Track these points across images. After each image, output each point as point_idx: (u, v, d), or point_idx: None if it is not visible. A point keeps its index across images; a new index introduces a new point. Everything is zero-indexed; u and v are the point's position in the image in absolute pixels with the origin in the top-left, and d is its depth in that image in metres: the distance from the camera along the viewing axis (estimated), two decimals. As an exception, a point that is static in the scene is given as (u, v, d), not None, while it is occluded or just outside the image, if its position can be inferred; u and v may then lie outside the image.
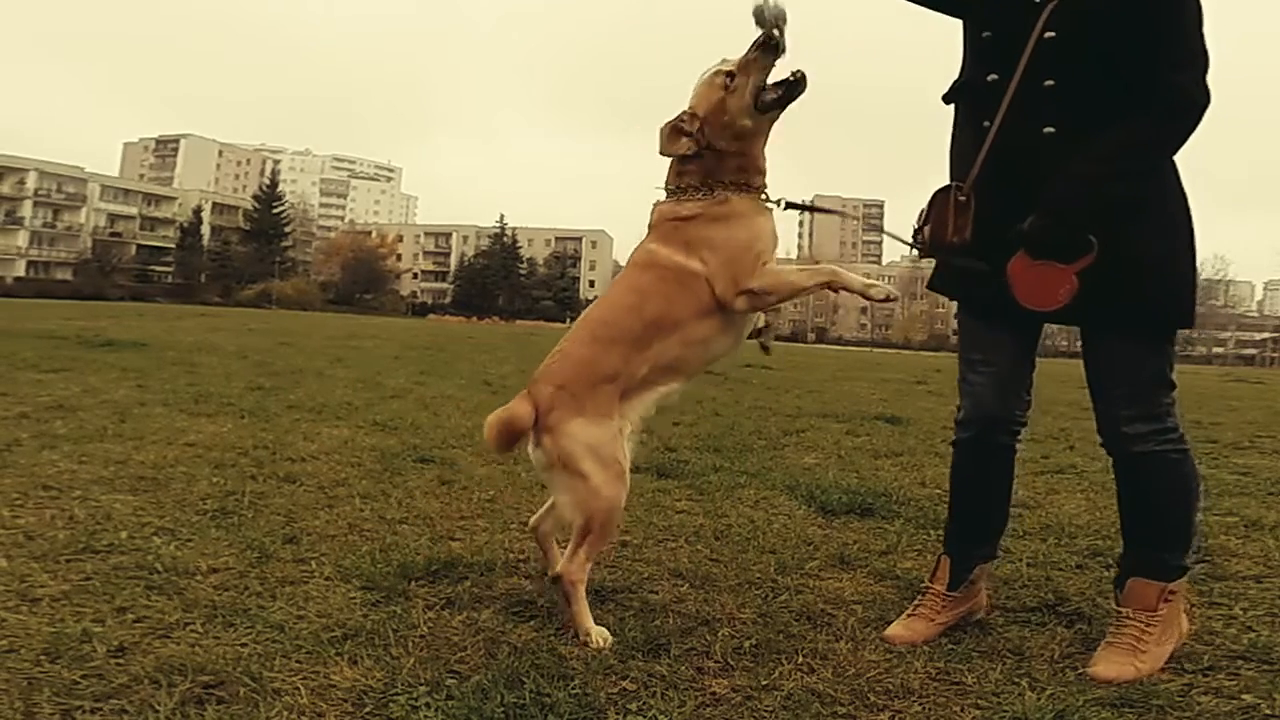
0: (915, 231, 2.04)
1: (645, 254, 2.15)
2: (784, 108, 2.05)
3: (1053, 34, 1.85)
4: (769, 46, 1.99)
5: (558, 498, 2.08)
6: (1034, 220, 1.85)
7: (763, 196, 2.12)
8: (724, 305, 2.06)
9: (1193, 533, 2.00)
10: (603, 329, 2.12)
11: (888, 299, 2.03)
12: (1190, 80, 1.77)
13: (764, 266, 2.05)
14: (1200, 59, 1.79)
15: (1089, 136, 1.83)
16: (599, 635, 1.96)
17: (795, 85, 2.02)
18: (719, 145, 2.05)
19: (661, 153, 2.11)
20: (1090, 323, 1.97)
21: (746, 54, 2.02)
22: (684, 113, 2.07)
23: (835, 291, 2.11)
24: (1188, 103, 1.78)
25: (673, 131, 2.07)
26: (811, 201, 2.33)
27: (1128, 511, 2.04)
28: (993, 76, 1.94)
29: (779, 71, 2.03)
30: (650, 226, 2.17)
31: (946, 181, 2.04)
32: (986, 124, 1.95)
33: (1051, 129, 1.88)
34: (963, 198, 1.94)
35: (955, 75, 2.10)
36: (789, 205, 2.19)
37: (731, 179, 2.08)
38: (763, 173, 2.12)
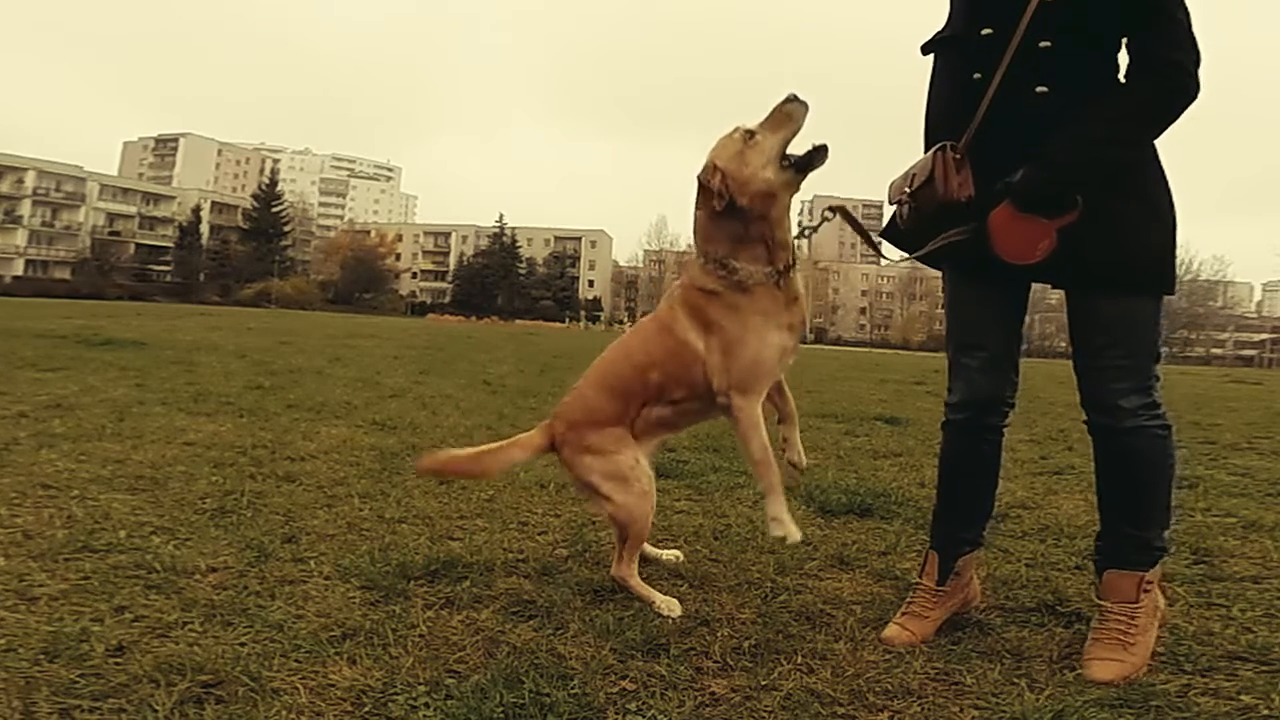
0: (909, 196, 2.03)
1: (669, 312, 2.25)
2: (805, 171, 2.09)
3: None
4: (796, 100, 2.05)
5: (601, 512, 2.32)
6: (1027, 172, 1.85)
7: (788, 265, 2.15)
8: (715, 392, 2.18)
9: (1171, 511, 2.02)
10: (608, 375, 2.32)
11: (784, 540, 2.11)
12: (1189, 61, 1.79)
13: (757, 395, 2.16)
14: (1195, 47, 1.80)
15: (1081, 100, 1.85)
16: (666, 604, 2.17)
17: (817, 152, 2.08)
18: (741, 201, 2.06)
19: (701, 220, 2.14)
20: (1075, 281, 1.97)
21: (772, 111, 2.07)
22: (705, 166, 2.10)
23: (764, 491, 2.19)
24: (1186, 79, 1.78)
25: (702, 190, 2.10)
26: (843, 214, 2.22)
27: (1111, 490, 2.03)
28: (987, 31, 1.94)
29: (799, 145, 2.08)
30: (681, 285, 2.24)
31: (923, 135, 2.08)
32: (977, 76, 1.95)
33: (1044, 89, 1.89)
34: (957, 155, 1.95)
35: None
36: (839, 212, 2.19)
37: (757, 253, 2.11)
38: (786, 247, 2.14)
